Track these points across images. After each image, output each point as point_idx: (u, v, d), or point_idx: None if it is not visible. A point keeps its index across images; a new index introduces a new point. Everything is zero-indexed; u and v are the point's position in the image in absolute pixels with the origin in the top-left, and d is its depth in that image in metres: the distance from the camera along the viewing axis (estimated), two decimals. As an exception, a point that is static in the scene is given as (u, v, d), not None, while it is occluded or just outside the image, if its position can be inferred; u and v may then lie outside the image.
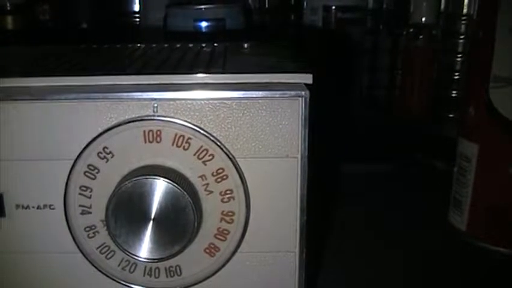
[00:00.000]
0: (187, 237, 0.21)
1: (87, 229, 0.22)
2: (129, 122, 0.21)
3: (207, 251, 0.23)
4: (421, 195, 0.46)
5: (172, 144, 0.22)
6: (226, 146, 0.22)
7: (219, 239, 0.23)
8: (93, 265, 0.23)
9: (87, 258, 0.23)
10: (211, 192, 0.22)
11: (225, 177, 0.22)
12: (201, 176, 0.22)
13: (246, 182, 0.22)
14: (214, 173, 0.22)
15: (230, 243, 0.23)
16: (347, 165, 0.51)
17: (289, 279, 0.24)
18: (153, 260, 0.21)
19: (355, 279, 0.34)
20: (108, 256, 0.23)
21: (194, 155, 0.22)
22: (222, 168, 0.22)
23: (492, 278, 0.35)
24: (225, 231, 0.23)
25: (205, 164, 0.22)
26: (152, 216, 0.21)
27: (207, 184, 0.22)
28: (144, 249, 0.21)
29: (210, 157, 0.22)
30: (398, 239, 0.39)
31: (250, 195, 0.22)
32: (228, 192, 0.22)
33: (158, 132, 0.21)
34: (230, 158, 0.22)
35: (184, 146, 0.22)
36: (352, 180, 0.48)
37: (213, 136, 0.22)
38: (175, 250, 0.21)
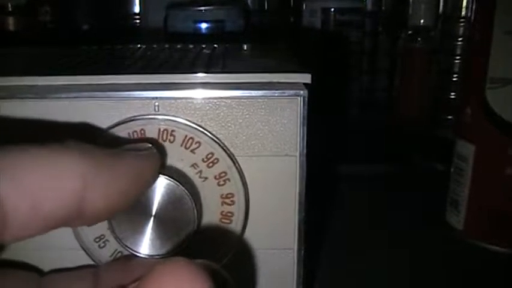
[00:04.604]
0: (191, 226, 0.21)
1: (97, 239, 0.23)
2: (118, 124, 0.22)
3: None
4: (420, 196, 0.46)
5: (158, 139, 0.22)
6: (226, 144, 0.22)
7: (224, 222, 0.23)
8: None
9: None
10: (206, 178, 0.22)
11: (215, 160, 0.22)
12: (192, 165, 0.22)
13: (237, 162, 0.22)
14: (205, 159, 0.22)
15: (236, 226, 0.23)
16: (346, 166, 0.51)
17: (287, 276, 0.24)
18: (162, 255, 0.21)
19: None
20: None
21: (181, 146, 0.22)
22: (211, 153, 0.22)
23: (490, 277, 0.35)
24: (229, 214, 0.23)
25: (194, 152, 0.22)
26: (153, 213, 0.21)
27: (200, 171, 0.22)
28: (151, 245, 0.21)
29: (197, 145, 0.22)
30: (398, 237, 0.39)
31: (249, 192, 0.23)
32: (222, 174, 0.22)
33: (142, 131, 0.22)
34: (216, 142, 0.22)
35: (170, 139, 0.22)
36: (352, 181, 0.49)
37: (195, 123, 0.22)
38: (181, 241, 0.21)
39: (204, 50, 0.31)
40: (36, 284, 0.20)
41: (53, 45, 0.34)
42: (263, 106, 0.22)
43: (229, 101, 0.22)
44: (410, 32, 0.62)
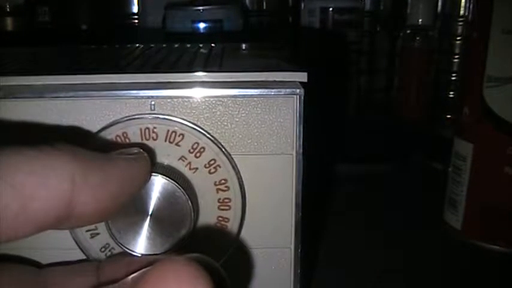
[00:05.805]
0: (188, 223, 0.21)
1: (102, 249, 0.23)
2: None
3: (218, 225, 0.23)
4: (419, 196, 0.46)
5: (142, 139, 0.22)
6: (222, 143, 0.22)
7: (223, 209, 0.23)
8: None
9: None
10: (196, 168, 0.22)
11: (202, 149, 0.22)
12: (180, 158, 0.22)
13: (225, 148, 0.22)
14: (191, 150, 0.22)
15: (235, 211, 0.23)
16: (346, 165, 0.51)
17: (284, 275, 0.24)
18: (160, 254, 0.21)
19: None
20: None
21: (165, 141, 0.22)
22: (196, 143, 0.22)
23: (488, 276, 0.35)
24: (226, 200, 0.23)
25: (179, 145, 0.22)
26: (149, 212, 0.21)
27: (189, 163, 0.22)
28: (149, 244, 0.21)
29: (181, 137, 0.22)
30: (396, 237, 0.39)
31: (246, 192, 0.23)
32: (211, 162, 0.22)
33: (125, 134, 0.22)
34: (198, 131, 0.22)
35: (153, 137, 0.22)
36: (350, 180, 0.49)
37: (176, 117, 0.22)
38: (179, 239, 0.21)
39: (202, 50, 0.31)
40: (34, 277, 0.20)
41: (51, 45, 0.33)
42: (260, 105, 0.22)
43: (225, 99, 0.22)
44: (408, 31, 0.62)
